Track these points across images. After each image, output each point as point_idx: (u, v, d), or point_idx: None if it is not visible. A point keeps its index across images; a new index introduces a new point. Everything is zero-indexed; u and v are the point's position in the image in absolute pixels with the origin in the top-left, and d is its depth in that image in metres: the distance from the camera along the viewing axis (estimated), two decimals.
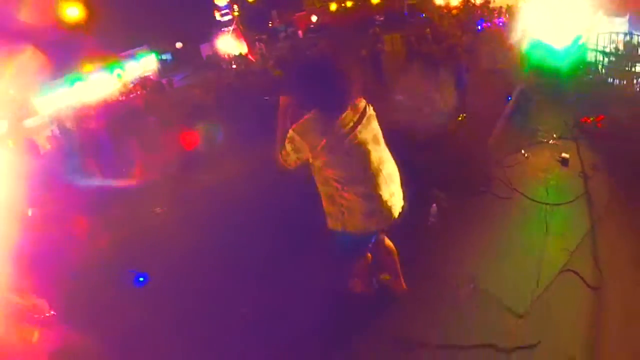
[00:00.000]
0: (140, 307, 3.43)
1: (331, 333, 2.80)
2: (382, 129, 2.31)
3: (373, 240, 2.56)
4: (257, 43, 18.24)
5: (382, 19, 23.20)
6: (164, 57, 23.10)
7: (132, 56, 21.42)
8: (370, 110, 2.25)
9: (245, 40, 17.06)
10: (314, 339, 2.80)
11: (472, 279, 3.01)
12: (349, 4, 30.33)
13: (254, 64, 12.84)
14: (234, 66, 13.83)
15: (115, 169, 6.53)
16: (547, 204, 3.81)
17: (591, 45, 7.39)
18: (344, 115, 2.13)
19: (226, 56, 16.35)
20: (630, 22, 6.99)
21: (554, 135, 5.18)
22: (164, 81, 12.53)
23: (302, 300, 3.12)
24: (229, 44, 17.63)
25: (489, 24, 15.72)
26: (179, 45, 21.25)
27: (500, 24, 16.63)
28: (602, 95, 6.44)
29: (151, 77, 18.66)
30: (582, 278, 2.88)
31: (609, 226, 3.40)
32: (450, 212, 3.91)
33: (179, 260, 4.00)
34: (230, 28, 17.72)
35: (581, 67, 7.26)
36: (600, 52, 7.27)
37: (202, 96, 9.09)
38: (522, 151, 4.91)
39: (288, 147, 2.15)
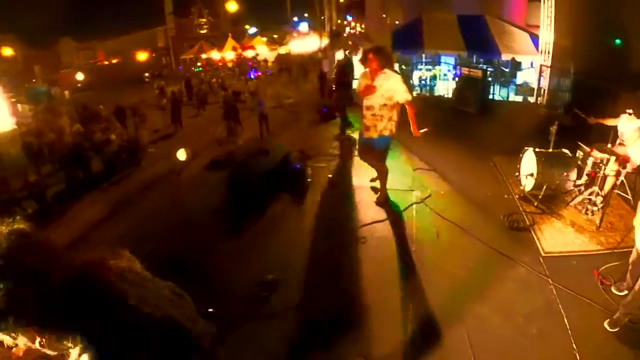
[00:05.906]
0: None
1: None
2: None
3: None
4: (18, 106, 16.00)
5: (157, 74, 23.52)
6: None
7: None
8: None
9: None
10: None
11: None
12: (114, 60, 29.63)
13: None
14: None
15: None
16: None
17: None
18: None
19: None
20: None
21: None
22: None
23: None
24: None
25: (260, 73, 18.43)
26: None
27: (269, 72, 19.69)
28: None
29: None
30: None
31: None
32: None
33: None
34: None
35: None
36: None
37: None
38: None
39: None
